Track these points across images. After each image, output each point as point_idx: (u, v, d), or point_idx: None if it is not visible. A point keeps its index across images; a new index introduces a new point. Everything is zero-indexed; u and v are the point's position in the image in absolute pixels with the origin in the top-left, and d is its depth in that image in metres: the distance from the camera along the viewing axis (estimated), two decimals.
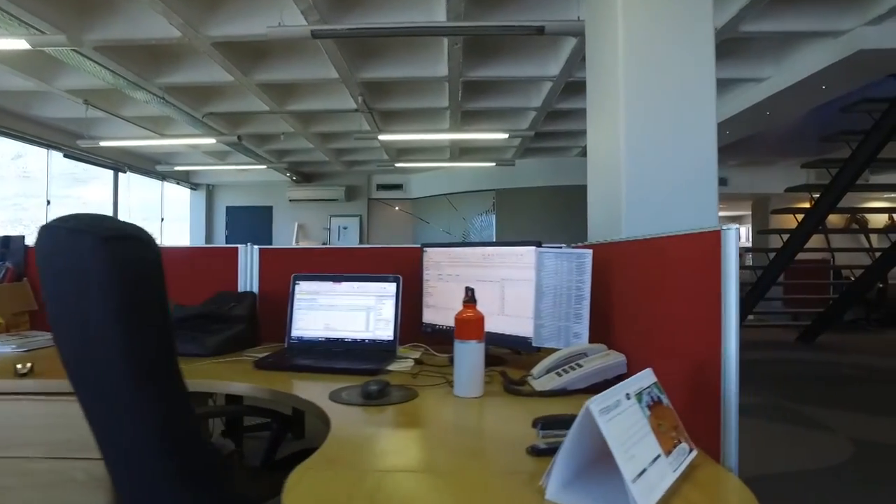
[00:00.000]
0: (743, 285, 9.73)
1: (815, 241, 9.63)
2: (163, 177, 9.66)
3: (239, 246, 2.23)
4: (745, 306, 6.90)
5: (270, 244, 2.90)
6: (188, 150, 8.59)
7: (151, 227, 9.77)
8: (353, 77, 5.05)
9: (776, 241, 6.90)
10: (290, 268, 2.01)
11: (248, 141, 7.76)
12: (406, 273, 1.93)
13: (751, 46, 4.74)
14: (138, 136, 6.98)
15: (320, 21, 3.69)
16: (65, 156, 6.99)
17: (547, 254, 1.59)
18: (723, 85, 5.58)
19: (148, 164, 8.96)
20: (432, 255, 1.97)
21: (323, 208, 10.35)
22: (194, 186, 10.61)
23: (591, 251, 1.53)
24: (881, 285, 8.30)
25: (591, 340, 1.52)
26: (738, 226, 0.95)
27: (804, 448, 3.31)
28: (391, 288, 1.88)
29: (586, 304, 1.53)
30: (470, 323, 1.35)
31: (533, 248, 1.63)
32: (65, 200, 8.30)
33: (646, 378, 0.90)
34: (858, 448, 3.28)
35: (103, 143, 6.35)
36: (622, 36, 2.00)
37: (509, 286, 1.70)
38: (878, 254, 6.54)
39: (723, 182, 9.38)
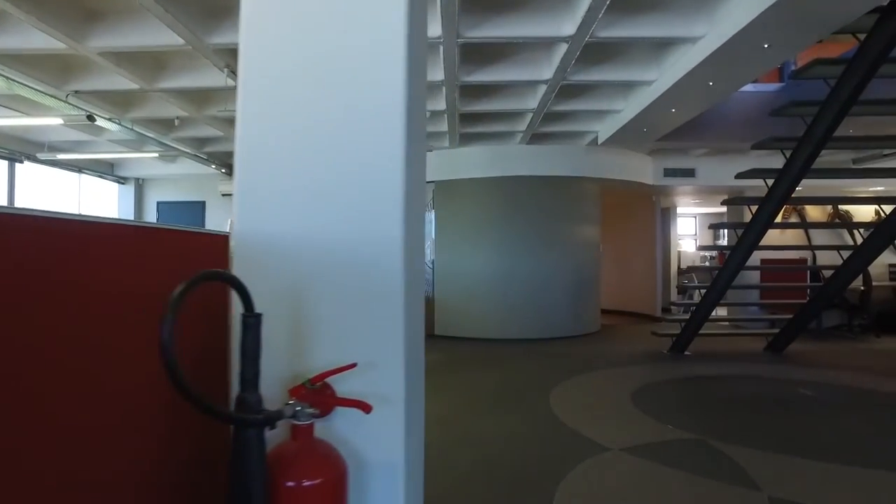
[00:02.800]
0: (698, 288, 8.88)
1: (795, 237, 8.72)
2: (79, 169, 8.88)
3: None
4: (700, 313, 6.01)
5: None
6: (94, 139, 7.79)
7: None
8: (204, 43, 4.21)
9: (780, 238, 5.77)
10: None
11: (146, 127, 6.94)
12: None
13: None
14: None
15: None
16: None
17: None
18: (653, 47, 4.70)
19: (49, 153, 8.12)
20: None
21: None
22: (121, 180, 9.81)
23: None
24: (863, 288, 7.35)
25: None
26: None
27: None
28: None
29: None
30: None
31: None
32: None
33: None
34: None
35: None
36: None
37: None
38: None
39: (690, 173, 8.47)
